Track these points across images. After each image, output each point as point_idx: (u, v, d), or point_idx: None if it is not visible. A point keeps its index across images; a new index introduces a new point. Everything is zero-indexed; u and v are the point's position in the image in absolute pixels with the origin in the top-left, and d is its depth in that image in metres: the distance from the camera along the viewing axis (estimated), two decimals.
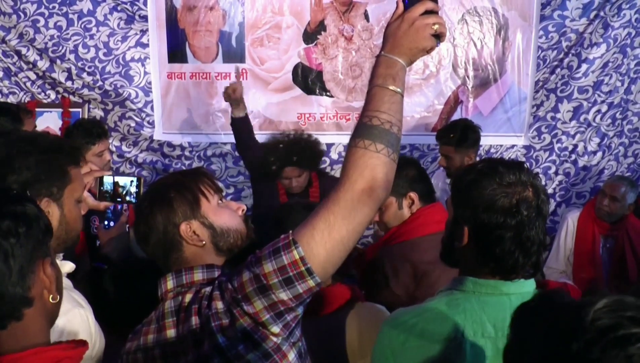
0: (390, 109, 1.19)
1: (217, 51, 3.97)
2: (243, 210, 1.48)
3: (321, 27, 3.90)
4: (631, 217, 3.47)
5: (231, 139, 4.13)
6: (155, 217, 1.35)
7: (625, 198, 3.37)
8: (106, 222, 2.48)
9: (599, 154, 4.18)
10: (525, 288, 1.34)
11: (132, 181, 2.26)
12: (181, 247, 1.36)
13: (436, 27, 1.21)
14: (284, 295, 1.16)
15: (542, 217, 1.33)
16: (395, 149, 1.20)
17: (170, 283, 1.33)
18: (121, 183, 2.29)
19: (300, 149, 3.16)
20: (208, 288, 1.25)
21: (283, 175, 3.17)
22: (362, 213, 1.17)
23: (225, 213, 1.41)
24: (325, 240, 1.16)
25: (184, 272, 1.33)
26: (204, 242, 1.36)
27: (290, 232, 1.19)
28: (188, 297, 1.27)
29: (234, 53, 3.98)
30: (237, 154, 4.14)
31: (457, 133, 3.19)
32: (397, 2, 1.25)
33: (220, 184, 4.15)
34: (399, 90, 1.21)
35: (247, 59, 3.97)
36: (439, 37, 1.22)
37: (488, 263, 1.34)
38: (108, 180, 2.27)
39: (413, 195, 2.21)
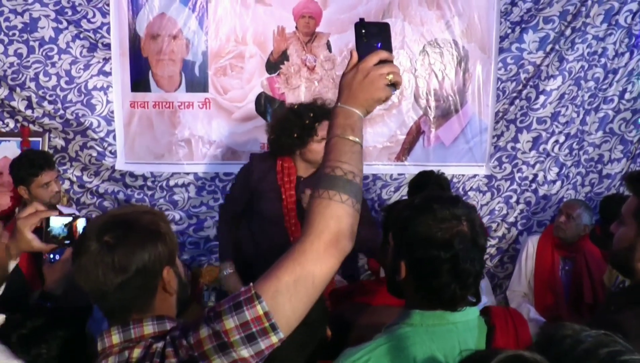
0: (351, 159, 1.15)
1: (181, 80, 3.72)
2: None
3: (284, 56, 3.69)
4: (588, 242, 3.47)
5: (194, 169, 3.89)
6: (136, 253, 1.16)
7: (580, 217, 3.40)
8: (52, 256, 2.14)
9: (558, 183, 4.03)
10: (469, 316, 1.31)
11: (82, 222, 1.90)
12: (155, 293, 1.19)
13: (390, 77, 1.17)
14: (245, 353, 1.03)
15: (477, 248, 1.30)
16: (358, 199, 1.16)
17: (115, 337, 1.14)
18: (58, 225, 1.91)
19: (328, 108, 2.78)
20: (160, 344, 1.08)
21: (314, 135, 2.68)
22: (328, 264, 1.10)
23: (180, 264, 1.30)
24: (290, 294, 1.05)
25: (132, 324, 1.15)
26: (173, 293, 1.23)
27: (252, 284, 1.07)
28: (136, 353, 1.10)
29: (197, 82, 3.75)
30: (199, 184, 3.85)
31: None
32: (351, 52, 1.21)
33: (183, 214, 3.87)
34: (357, 140, 1.17)
35: (210, 88, 3.74)
36: (394, 85, 1.18)
37: (427, 296, 1.29)
38: (56, 223, 1.91)
39: None
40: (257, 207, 2.87)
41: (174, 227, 3.92)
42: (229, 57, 3.73)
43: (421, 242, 1.28)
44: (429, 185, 2.78)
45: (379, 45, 1.18)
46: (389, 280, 1.40)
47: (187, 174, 3.90)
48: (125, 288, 1.14)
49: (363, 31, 1.19)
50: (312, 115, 2.72)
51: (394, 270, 1.33)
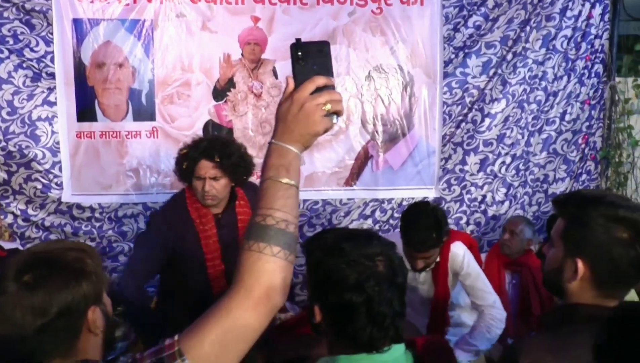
0: (285, 205, 1.03)
1: (127, 109, 3.59)
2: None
3: (231, 84, 3.61)
4: (533, 257, 3.53)
5: (143, 199, 3.74)
6: (57, 294, 1.07)
7: (523, 233, 3.48)
8: None
9: (507, 204, 4.00)
10: (396, 353, 1.23)
11: None
12: (79, 335, 1.10)
13: (328, 107, 1.02)
14: None
15: (396, 288, 1.22)
16: (292, 249, 1.03)
17: None
18: None
19: (222, 145, 2.62)
20: None
21: (195, 174, 2.58)
22: (258, 321, 1.00)
23: (108, 302, 1.21)
24: (217, 352, 0.96)
25: None
26: (99, 333, 1.14)
27: (176, 338, 0.98)
28: None
29: (144, 111, 3.63)
30: (148, 214, 3.69)
31: (435, 229, 2.60)
32: (287, 79, 1.07)
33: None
34: (293, 182, 1.04)
35: (157, 116, 3.61)
36: (336, 113, 1.04)
37: (346, 340, 1.21)
38: None
39: None
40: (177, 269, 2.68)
41: (123, 259, 3.76)
42: (176, 84, 3.62)
43: (333, 285, 1.20)
44: (421, 220, 2.58)
45: (317, 68, 1.03)
46: (310, 325, 1.31)
47: (136, 204, 3.74)
48: (46, 332, 1.04)
49: (299, 53, 1.04)
50: (191, 157, 2.63)
51: (310, 312, 1.26)
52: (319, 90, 1.02)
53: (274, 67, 3.65)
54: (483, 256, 3.62)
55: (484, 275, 2.85)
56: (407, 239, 2.58)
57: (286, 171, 1.03)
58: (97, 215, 3.74)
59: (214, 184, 2.58)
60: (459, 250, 2.78)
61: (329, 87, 1.03)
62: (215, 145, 2.62)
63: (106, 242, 3.76)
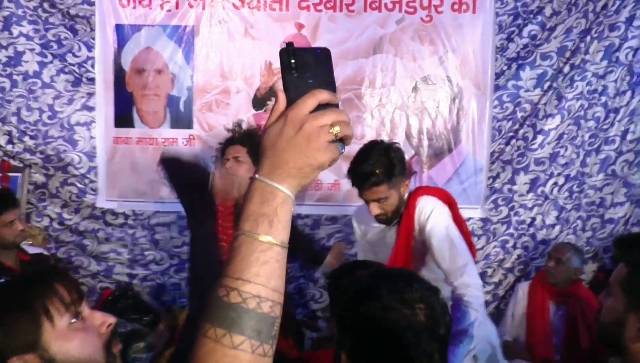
0: (260, 273, 0.73)
1: (165, 116, 3.46)
2: (109, 326, 1.04)
3: (271, 92, 3.42)
4: (582, 287, 3.29)
5: (176, 207, 3.56)
6: None
7: (570, 261, 3.20)
8: None
9: (557, 228, 3.70)
10: None
11: None
12: None
13: (336, 129, 0.75)
14: None
15: (436, 340, 1.02)
16: (264, 337, 0.72)
17: None
18: None
19: (254, 134, 2.61)
20: None
21: (225, 156, 2.59)
22: None
23: (76, 338, 0.99)
24: None
25: None
26: None
27: None
28: None
29: (182, 118, 3.49)
30: (182, 223, 3.54)
31: (381, 164, 2.21)
32: (276, 93, 0.84)
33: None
34: (276, 241, 0.74)
35: (195, 124, 3.45)
36: (342, 140, 0.76)
37: None
38: None
39: None
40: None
41: (154, 267, 3.62)
42: (215, 92, 3.46)
43: (365, 334, 1.01)
44: (369, 154, 2.23)
45: (315, 82, 0.78)
46: None
47: (170, 212, 3.61)
48: None
49: (292, 61, 0.78)
50: (226, 139, 2.58)
51: (336, 359, 1.07)
52: (321, 108, 0.75)
53: None
54: (525, 284, 3.38)
55: (461, 241, 2.25)
56: (352, 174, 2.26)
57: (269, 223, 0.74)
58: (130, 221, 3.63)
59: (240, 166, 2.56)
60: (426, 204, 2.29)
61: (333, 105, 0.76)
62: (246, 133, 2.65)
63: (139, 249, 3.64)
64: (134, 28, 3.42)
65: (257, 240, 0.73)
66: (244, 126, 2.74)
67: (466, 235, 2.37)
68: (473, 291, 2.13)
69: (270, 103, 3.48)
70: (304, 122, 0.74)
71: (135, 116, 3.50)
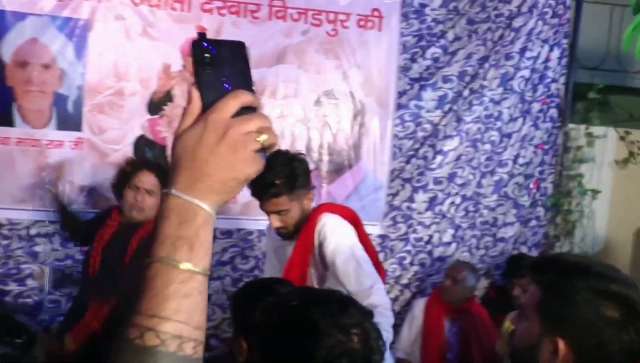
0: (180, 308, 0.61)
1: (51, 116, 3.17)
2: None
3: (168, 97, 3.24)
4: (476, 304, 3.37)
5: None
6: None
7: (466, 280, 3.28)
8: None
9: (454, 245, 3.78)
10: None
11: None
12: None
13: (264, 137, 0.65)
14: None
15: None
16: None
17: None
18: None
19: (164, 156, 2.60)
20: None
21: (133, 182, 2.47)
22: None
23: None
24: None
25: None
26: None
27: None
28: None
29: (70, 119, 3.22)
30: (66, 235, 3.25)
31: (283, 175, 2.09)
32: (189, 92, 0.67)
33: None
34: (197, 268, 0.63)
35: (84, 126, 3.20)
36: (264, 149, 0.66)
37: None
38: None
39: None
40: None
41: (31, 283, 3.30)
42: (108, 93, 3.24)
43: (291, 360, 0.94)
44: (272, 164, 2.06)
45: (232, 81, 0.67)
46: None
47: (53, 222, 3.29)
48: None
49: (206, 55, 0.67)
50: (132, 166, 2.48)
51: None
52: (242, 111, 0.65)
53: None
54: (422, 300, 3.39)
55: (367, 261, 2.14)
56: (252, 184, 2.01)
57: (189, 248, 0.63)
58: (5, 231, 3.28)
59: (146, 199, 2.47)
60: (329, 221, 2.16)
61: (254, 109, 0.66)
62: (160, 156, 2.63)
63: (13, 262, 3.29)
64: (18, 16, 3.11)
65: (177, 268, 0.62)
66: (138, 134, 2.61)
67: (372, 254, 2.28)
68: (382, 311, 2.01)
69: (167, 108, 3.30)
70: (227, 128, 0.63)
71: (16, 114, 3.19)
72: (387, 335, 2.00)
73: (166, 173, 2.33)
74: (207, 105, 0.65)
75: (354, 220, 2.27)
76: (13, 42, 3.13)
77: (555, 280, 1.08)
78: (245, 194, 3.38)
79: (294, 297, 1.02)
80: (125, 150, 3.26)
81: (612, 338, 1.03)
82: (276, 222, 2.15)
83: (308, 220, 2.18)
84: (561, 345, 1.05)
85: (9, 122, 3.19)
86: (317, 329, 0.95)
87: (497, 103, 3.74)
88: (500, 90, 3.73)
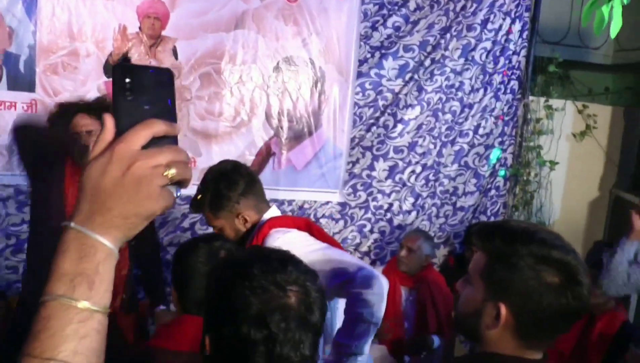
0: (78, 349, 0.58)
1: (1, 75, 3.04)
2: None
3: (125, 59, 3.11)
4: (432, 272, 3.34)
5: (15, 180, 3.21)
6: None
7: (421, 249, 3.24)
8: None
9: (414, 214, 3.78)
10: None
11: None
12: None
13: (172, 172, 0.62)
14: None
15: (308, 328, 0.96)
16: None
17: None
18: None
19: (103, 99, 2.46)
20: None
21: (71, 128, 2.36)
22: None
23: None
24: None
25: None
26: None
27: None
28: None
29: (22, 80, 3.13)
30: (21, 199, 3.18)
31: (207, 192, 1.96)
32: (103, 117, 0.64)
33: None
34: (97, 307, 0.60)
35: (38, 88, 3.11)
36: (180, 183, 0.64)
37: None
38: None
39: None
40: None
41: None
42: (62, 53, 3.14)
43: (229, 315, 0.94)
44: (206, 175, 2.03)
45: (152, 108, 0.65)
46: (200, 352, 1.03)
47: (7, 186, 3.22)
48: None
49: (127, 81, 0.65)
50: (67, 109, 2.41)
51: (202, 343, 1.00)
52: (155, 142, 0.62)
53: (175, 47, 3.25)
54: (379, 269, 3.37)
55: (336, 251, 1.96)
56: None
57: (88, 285, 0.60)
58: None
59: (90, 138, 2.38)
60: (277, 239, 1.88)
61: (170, 139, 0.64)
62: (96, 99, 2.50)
63: None
64: None
65: (75, 307, 0.58)
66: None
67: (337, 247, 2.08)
68: (365, 296, 1.79)
69: None
70: (133, 161, 0.60)
71: None
72: (374, 317, 1.80)
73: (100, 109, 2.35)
74: (121, 133, 0.62)
75: (308, 227, 2.04)
76: None
77: (500, 247, 1.09)
78: (204, 161, 3.35)
79: (239, 253, 1.05)
80: None
81: (550, 302, 1.05)
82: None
83: (254, 235, 1.94)
84: (503, 310, 1.07)
85: None
86: (253, 283, 0.95)
87: (459, 73, 3.74)
88: (462, 61, 3.73)
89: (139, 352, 1.72)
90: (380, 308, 1.80)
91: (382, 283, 1.80)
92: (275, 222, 1.95)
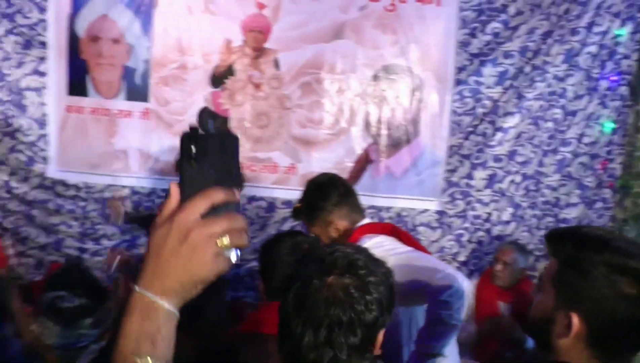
0: None
1: (120, 87, 3.32)
2: None
3: (229, 71, 3.31)
4: (529, 284, 3.19)
5: (130, 182, 3.45)
6: None
7: (516, 262, 3.17)
8: None
9: (513, 224, 3.67)
10: None
11: None
12: None
13: (225, 241, 0.66)
14: None
15: (361, 323, 1.03)
16: None
17: None
18: None
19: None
20: None
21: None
22: None
23: None
24: None
25: None
26: None
27: None
28: None
29: (137, 91, 3.39)
30: (135, 198, 3.41)
31: (304, 202, 2.11)
32: (170, 187, 0.70)
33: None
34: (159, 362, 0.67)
35: (151, 98, 3.33)
36: (237, 247, 0.68)
37: None
38: None
39: None
40: None
41: (105, 242, 3.48)
42: (172, 66, 3.37)
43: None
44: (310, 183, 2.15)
45: (216, 176, 0.68)
46: None
47: (123, 186, 3.47)
48: None
49: (192, 148, 0.68)
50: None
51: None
52: (215, 209, 0.67)
53: (276, 58, 3.37)
54: (475, 281, 3.32)
55: (419, 254, 1.99)
56: None
57: (152, 343, 0.65)
58: (82, 194, 3.50)
59: None
60: (362, 244, 1.88)
61: (230, 206, 0.67)
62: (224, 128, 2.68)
63: (89, 223, 3.50)
64: None
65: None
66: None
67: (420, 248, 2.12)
68: (446, 298, 1.80)
69: (228, 81, 3.38)
70: (190, 231, 0.65)
71: (89, 85, 3.38)
72: (454, 319, 1.80)
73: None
74: (185, 201, 0.67)
75: (393, 232, 2.11)
76: (86, 18, 3.31)
77: (572, 253, 1.05)
78: (304, 167, 3.45)
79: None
80: (189, 121, 3.37)
81: (627, 314, 0.99)
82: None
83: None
84: (575, 319, 1.03)
85: (83, 92, 3.38)
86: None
87: (561, 80, 3.59)
88: (565, 66, 3.57)
89: (230, 337, 1.82)
90: (460, 310, 1.81)
91: (463, 287, 1.81)
92: (364, 229, 2.06)
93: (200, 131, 0.69)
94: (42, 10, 3.29)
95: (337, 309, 1.01)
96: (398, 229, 2.17)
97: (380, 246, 1.92)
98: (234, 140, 0.70)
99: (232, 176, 0.69)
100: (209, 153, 0.68)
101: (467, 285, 1.84)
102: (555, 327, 1.06)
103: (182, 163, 0.68)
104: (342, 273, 1.04)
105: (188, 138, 0.68)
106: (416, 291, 1.85)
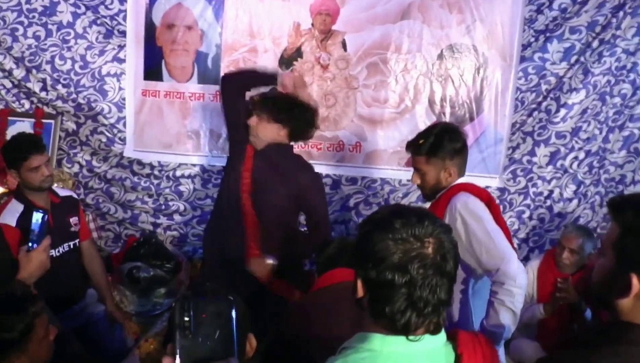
0: None
1: (193, 71, 3.48)
2: None
3: (298, 53, 3.42)
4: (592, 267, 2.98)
5: (201, 161, 3.65)
6: None
7: (583, 249, 3.09)
8: (30, 244, 1.90)
9: (575, 202, 3.65)
10: (435, 343, 1.11)
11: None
12: None
13: None
14: None
15: (443, 275, 1.09)
16: None
17: None
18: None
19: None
20: None
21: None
22: None
23: None
24: None
25: None
26: None
27: None
28: None
29: (209, 74, 3.53)
30: (205, 176, 3.59)
31: (430, 139, 2.17)
32: (162, 360, 0.70)
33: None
34: None
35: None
36: None
37: (382, 320, 1.10)
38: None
39: None
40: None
41: (178, 218, 3.70)
42: (243, 50, 3.49)
43: (376, 261, 1.09)
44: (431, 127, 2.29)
45: (212, 343, 0.67)
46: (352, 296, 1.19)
47: (194, 165, 3.69)
48: None
49: (185, 318, 0.67)
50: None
51: (354, 287, 1.15)
52: None
53: (344, 39, 3.45)
54: (535, 264, 3.25)
55: (499, 235, 2.04)
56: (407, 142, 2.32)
57: None
58: (156, 172, 3.71)
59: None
60: (461, 198, 2.10)
61: None
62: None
63: (163, 199, 3.72)
64: None
65: None
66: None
67: (507, 235, 2.12)
68: (509, 288, 1.93)
69: (297, 63, 3.49)
70: None
71: (164, 70, 3.54)
72: (511, 313, 1.94)
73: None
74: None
75: (489, 201, 2.19)
76: (162, 7, 3.47)
77: (632, 220, 1.12)
78: (369, 146, 3.54)
79: (382, 212, 1.17)
80: None
81: None
82: (414, 178, 2.26)
83: (445, 191, 2.17)
84: (635, 280, 1.10)
85: (158, 77, 3.56)
86: (396, 235, 1.09)
87: (632, 54, 3.52)
88: (637, 40, 3.50)
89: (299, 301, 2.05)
90: (520, 300, 1.96)
91: (526, 278, 1.99)
92: (466, 186, 2.18)
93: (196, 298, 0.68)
94: (123, 1, 3.47)
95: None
96: (492, 200, 2.23)
97: (471, 208, 2.05)
98: (230, 302, 0.68)
99: (228, 341, 0.67)
100: (202, 322, 0.66)
101: (526, 278, 2.02)
102: (615, 288, 1.13)
103: (174, 332, 0.66)
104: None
105: (181, 307, 0.67)
106: (483, 269, 2.05)
